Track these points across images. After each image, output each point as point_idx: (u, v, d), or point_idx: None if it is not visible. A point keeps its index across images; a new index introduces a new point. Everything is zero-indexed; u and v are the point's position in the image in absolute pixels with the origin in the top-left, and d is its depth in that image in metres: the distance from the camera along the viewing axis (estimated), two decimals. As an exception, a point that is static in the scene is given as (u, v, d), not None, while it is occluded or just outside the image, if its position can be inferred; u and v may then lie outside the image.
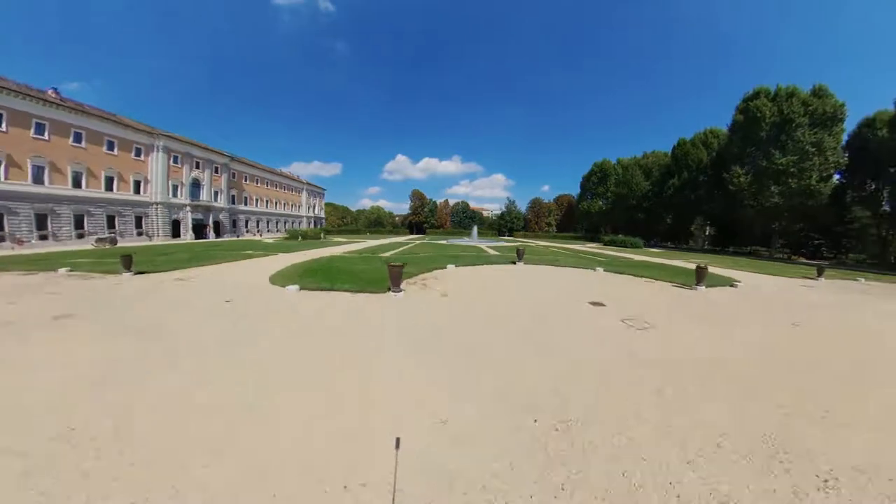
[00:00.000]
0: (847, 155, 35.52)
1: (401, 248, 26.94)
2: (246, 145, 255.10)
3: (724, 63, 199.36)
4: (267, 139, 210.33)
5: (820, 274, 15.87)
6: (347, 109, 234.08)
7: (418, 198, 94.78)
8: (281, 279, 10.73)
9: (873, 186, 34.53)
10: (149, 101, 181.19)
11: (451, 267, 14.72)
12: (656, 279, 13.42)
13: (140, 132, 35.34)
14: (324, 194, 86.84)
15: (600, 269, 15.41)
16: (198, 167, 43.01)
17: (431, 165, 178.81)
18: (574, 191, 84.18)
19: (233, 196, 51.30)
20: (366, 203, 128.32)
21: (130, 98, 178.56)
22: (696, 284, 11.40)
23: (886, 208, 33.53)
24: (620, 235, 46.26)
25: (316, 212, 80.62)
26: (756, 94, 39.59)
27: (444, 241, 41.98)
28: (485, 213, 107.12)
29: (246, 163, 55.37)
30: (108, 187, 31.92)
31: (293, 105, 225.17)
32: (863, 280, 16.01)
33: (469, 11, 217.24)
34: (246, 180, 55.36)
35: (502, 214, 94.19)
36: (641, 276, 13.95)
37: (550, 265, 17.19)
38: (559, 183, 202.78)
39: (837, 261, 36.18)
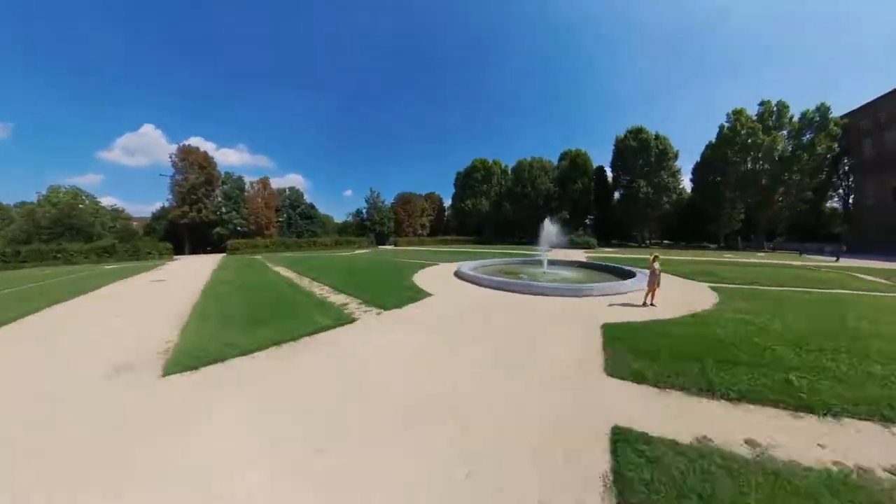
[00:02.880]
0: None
1: None
2: None
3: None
4: None
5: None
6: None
7: (198, 166, 47.03)
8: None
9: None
10: None
11: None
12: None
13: None
14: None
15: None
16: None
17: (205, 150, 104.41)
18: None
19: None
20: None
21: None
22: None
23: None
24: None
25: None
26: (640, 129, 56.04)
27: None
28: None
29: None
30: None
31: None
32: None
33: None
34: None
35: (360, 212, 73.62)
36: None
37: None
38: (362, 185, 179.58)
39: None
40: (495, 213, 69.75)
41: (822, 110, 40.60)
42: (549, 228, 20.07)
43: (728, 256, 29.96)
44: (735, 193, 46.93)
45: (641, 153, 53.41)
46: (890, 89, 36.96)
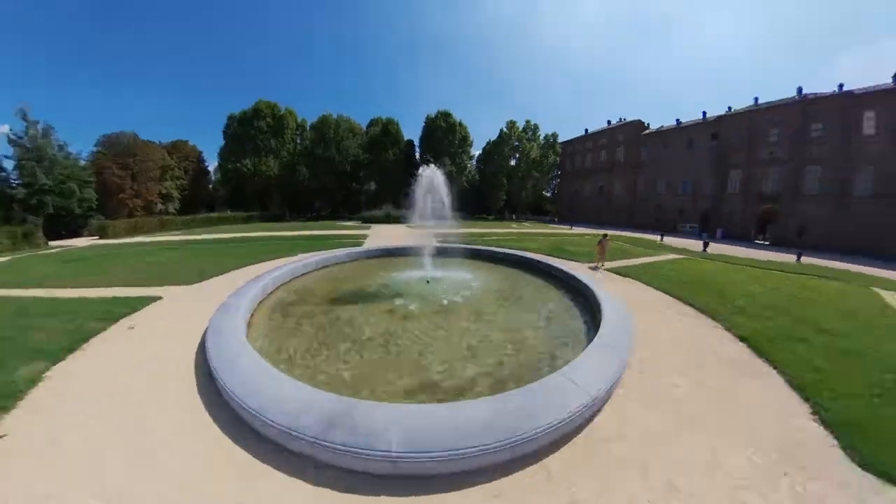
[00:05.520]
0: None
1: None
2: None
3: None
4: None
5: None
6: None
7: None
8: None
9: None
10: None
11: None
12: None
13: None
14: None
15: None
16: None
17: None
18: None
19: None
20: None
21: None
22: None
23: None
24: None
25: None
26: (448, 113, 59.02)
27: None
28: None
29: None
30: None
31: None
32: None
33: None
34: None
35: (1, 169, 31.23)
36: None
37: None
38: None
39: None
40: (288, 179, 55.20)
41: (554, 136, 61.10)
42: (436, 180, 10.62)
43: (528, 226, 40.65)
44: (505, 180, 62.73)
45: (449, 134, 58.80)
46: (578, 135, 61.01)
